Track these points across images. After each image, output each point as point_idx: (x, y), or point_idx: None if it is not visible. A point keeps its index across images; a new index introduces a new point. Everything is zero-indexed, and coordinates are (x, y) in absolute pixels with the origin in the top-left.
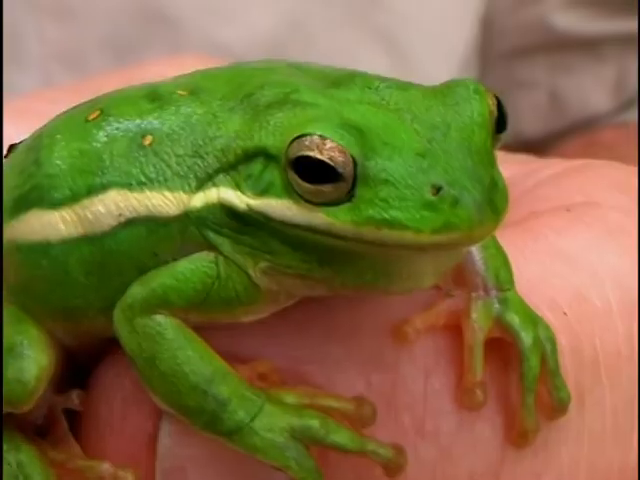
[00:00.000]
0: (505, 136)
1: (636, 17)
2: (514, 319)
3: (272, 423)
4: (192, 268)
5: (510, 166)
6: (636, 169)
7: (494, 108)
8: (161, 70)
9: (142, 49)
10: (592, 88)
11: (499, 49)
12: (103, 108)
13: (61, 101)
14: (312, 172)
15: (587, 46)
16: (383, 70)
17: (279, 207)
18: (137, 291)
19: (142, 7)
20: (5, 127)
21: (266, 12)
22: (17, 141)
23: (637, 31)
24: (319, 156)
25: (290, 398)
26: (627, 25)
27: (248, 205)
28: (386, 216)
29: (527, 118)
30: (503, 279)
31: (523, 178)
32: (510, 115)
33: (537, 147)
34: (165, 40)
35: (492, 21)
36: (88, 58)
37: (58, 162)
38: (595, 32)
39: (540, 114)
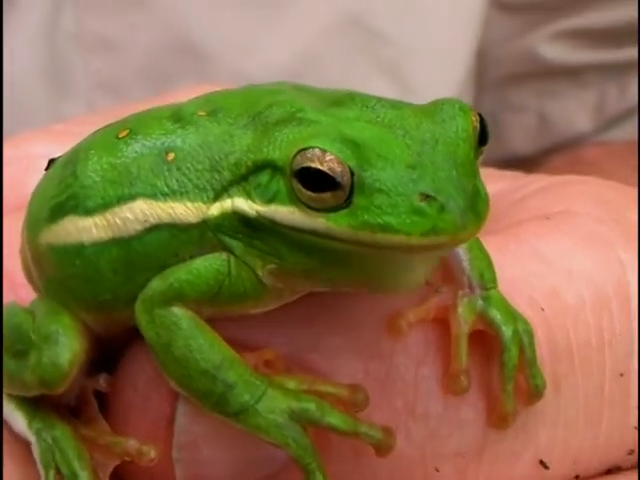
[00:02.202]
0: (499, 153)
1: (614, 48)
2: (496, 314)
3: (273, 405)
4: (206, 265)
5: (501, 181)
6: (614, 183)
7: (477, 124)
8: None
9: (175, 79)
10: (575, 111)
11: (492, 77)
12: (132, 127)
13: (97, 124)
14: (314, 181)
15: (571, 74)
16: (389, 97)
17: (284, 213)
18: (156, 285)
19: (176, 43)
20: (47, 147)
21: (285, 47)
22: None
23: (620, 59)
24: (320, 167)
25: (291, 384)
26: (606, 55)
27: (257, 212)
28: (380, 221)
29: (518, 137)
30: (487, 279)
31: (511, 192)
32: (503, 135)
33: (527, 163)
34: (195, 72)
35: (486, 52)
36: (128, 87)
37: (92, 174)
38: (578, 61)
39: (530, 134)
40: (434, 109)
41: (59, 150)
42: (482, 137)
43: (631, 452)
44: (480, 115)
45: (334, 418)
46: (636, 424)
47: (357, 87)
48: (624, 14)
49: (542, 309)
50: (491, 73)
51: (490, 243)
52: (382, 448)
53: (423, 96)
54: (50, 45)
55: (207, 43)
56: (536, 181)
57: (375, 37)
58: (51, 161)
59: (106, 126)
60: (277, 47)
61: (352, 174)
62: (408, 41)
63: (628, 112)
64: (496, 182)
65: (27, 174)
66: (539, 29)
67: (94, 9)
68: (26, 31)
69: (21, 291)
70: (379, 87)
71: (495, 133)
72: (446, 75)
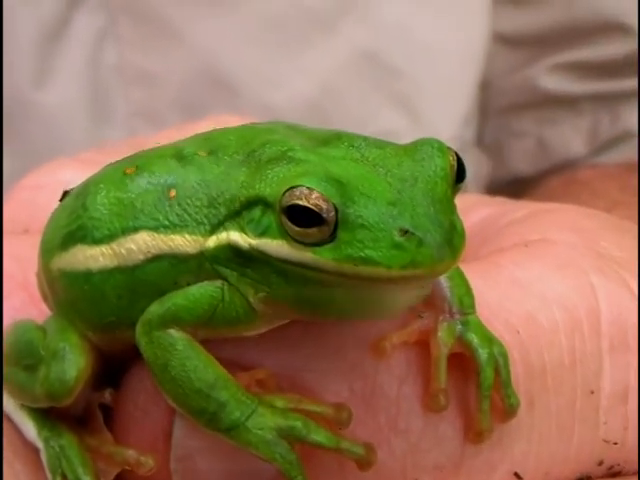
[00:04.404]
0: (503, 174)
1: (607, 81)
2: (473, 338)
3: (263, 423)
4: (202, 291)
5: (489, 207)
6: (592, 211)
7: (454, 163)
8: (206, 129)
9: (207, 108)
10: (571, 136)
11: (496, 105)
12: (138, 164)
13: (119, 154)
14: (301, 217)
15: (568, 103)
16: (401, 127)
17: (274, 246)
18: (155, 309)
19: (208, 75)
20: (74, 174)
21: (307, 81)
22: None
23: (612, 90)
24: (306, 204)
25: (279, 403)
26: (599, 86)
27: (250, 244)
28: (362, 254)
29: (519, 160)
30: (466, 304)
31: (498, 217)
32: (506, 157)
33: (527, 183)
34: (225, 102)
35: (490, 83)
36: (164, 115)
37: (100, 207)
38: (574, 92)
39: (529, 157)
40: (414, 149)
41: (84, 177)
42: (459, 175)
43: (600, 463)
44: (457, 154)
45: (318, 435)
46: (605, 437)
47: (371, 117)
48: (616, 50)
49: (518, 332)
50: (495, 102)
51: (473, 270)
52: (363, 463)
53: (432, 125)
54: (94, 77)
55: (237, 76)
56: (520, 208)
57: (388, 72)
58: (65, 193)
59: (115, 162)
60: (300, 81)
61: (336, 211)
62: (418, 76)
63: (618, 138)
64: (485, 207)
65: (54, 199)
66: (539, 62)
67: (135, 44)
68: (72, 64)
69: (43, 305)
70: (391, 117)
71: (498, 156)
72: (453, 106)
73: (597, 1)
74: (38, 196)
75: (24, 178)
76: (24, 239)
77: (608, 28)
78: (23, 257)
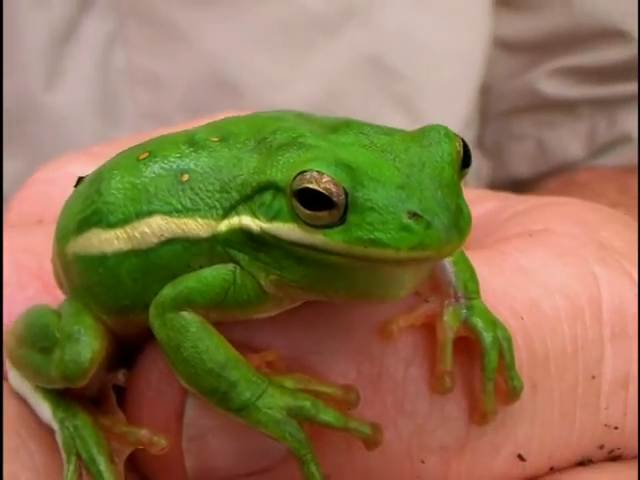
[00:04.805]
0: (503, 175)
1: (604, 85)
2: (478, 322)
3: (272, 403)
4: (214, 274)
5: (493, 200)
6: (593, 204)
7: (460, 149)
8: None
9: (213, 110)
10: (569, 139)
11: (496, 109)
12: (151, 150)
13: (126, 146)
14: (312, 201)
15: (566, 107)
16: (402, 128)
17: (286, 229)
18: (168, 291)
19: (214, 78)
20: (84, 167)
21: (311, 84)
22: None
23: (609, 95)
24: (317, 188)
25: (289, 383)
26: (597, 91)
27: (261, 228)
28: (371, 236)
29: (519, 162)
30: (470, 289)
31: (502, 210)
32: (505, 160)
33: (526, 184)
34: (231, 104)
35: (491, 87)
36: (171, 117)
37: (114, 192)
38: (572, 96)
39: (528, 159)
40: (421, 135)
41: (89, 169)
42: (465, 161)
43: (601, 447)
44: (463, 140)
45: (327, 415)
46: (606, 422)
47: (373, 119)
48: (614, 55)
49: (522, 318)
50: (495, 106)
51: (478, 257)
52: (370, 442)
53: None
54: (103, 80)
55: (242, 79)
56: (523, 201)
57: (390, 75)
58: (80, 179)
59: (129, 148)
60: (304, 83)
61: (346, 194)
62: (420, 78)
63: (615, 141)
64: (489, 201)
65: (67, 192)
66: (538, 67)
67: (143, 47)
68: (81, 67)
69: (58, 292)
70: (393, 119)
71: (498, 159)
72: (453, 108)
73: (597, 7)
74: (50, 189)
75: (35, 172)
76: (38, 229)
77: (607, 34)
78: (37, 248)
